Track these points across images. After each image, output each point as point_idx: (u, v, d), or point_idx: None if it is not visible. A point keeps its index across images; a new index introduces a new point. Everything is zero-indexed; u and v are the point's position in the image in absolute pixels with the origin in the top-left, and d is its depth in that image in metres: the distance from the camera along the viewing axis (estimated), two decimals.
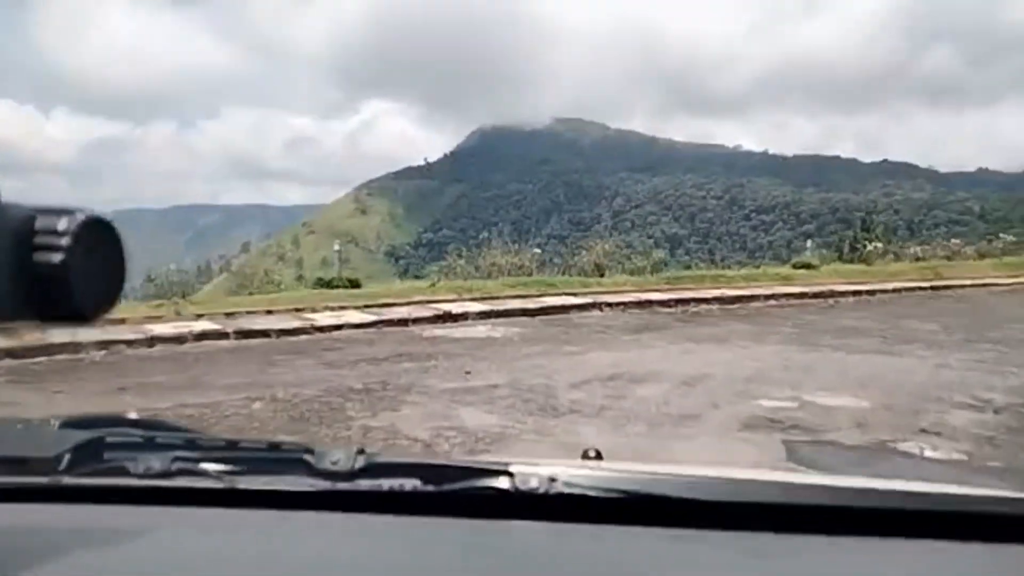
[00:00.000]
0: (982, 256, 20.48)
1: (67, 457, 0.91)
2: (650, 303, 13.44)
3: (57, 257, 0.45)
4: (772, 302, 14.84)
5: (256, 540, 0.85)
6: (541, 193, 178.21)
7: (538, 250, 15.81)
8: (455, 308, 11.66)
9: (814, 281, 17.08)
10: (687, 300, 13.91)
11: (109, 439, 0.96)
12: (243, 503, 0.89)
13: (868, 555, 0.79)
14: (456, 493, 0.85)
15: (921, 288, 17.57)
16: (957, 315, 13.44)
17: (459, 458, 1.15)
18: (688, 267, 18.40)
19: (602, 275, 14.90)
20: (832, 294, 16.02)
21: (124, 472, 0.90)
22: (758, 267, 18.14)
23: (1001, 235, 21.66)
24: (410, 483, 0.86)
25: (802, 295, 15.53)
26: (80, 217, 0.47)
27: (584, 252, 16.06)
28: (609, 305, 12.92)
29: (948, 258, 19.69)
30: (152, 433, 1.01)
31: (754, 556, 0.79)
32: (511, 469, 0.86)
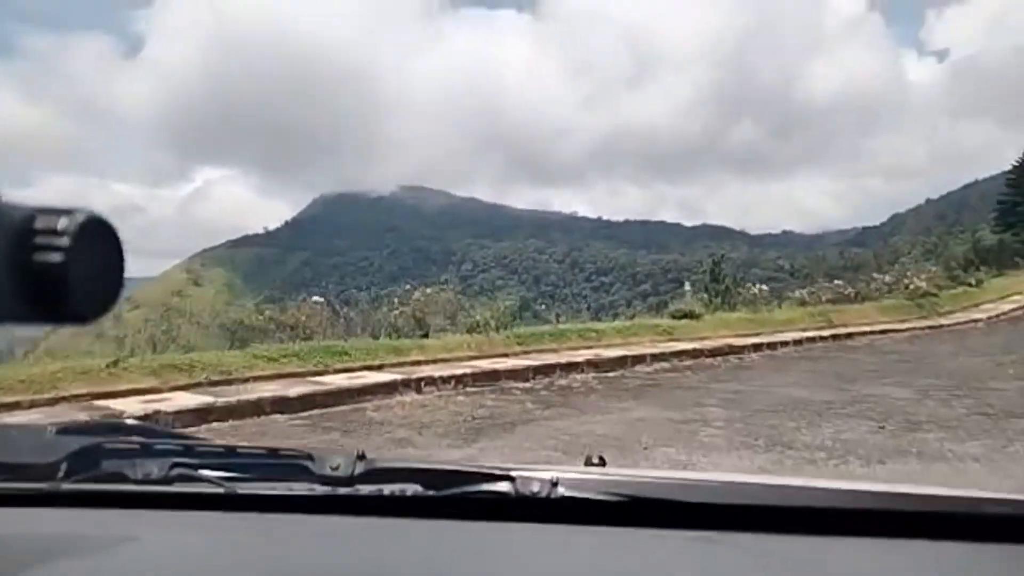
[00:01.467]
0: (862, 299, 17.47)
1: (66, 463, 0.88)
2: (497, 375, 8.65)
3: (57, 257, 0.43)
4: (663, 364, 10.45)
5: (256, 544, 0.82)
6: (388, 260, 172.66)
7: (319, 299, 10.43)
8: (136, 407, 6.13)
9: (701, 334, 13.04)
10: (550, 367, 9.23)
11: (107, 445, 0.93)
12: (243, 508, 0.86)
13: (868, 555, 0.76)
14: (457, 497, 0.82)
15: (823, 338, 14.08)
16: (911, 374, 9.81)
17: (460, 462, 0.93)
18: (547, 321, 13.88)
19: (426, 335, 9.88)
20: (731, 349, 11.92)
21: (122, 478, 0.88)
22: (632, 318, 13.83)
23: (875, 275, 18.95)
24: (411, 487, 0.83)
25: (697, 353, 11.30)
26: (80, 216, 0.45)
27: (399, 303, 10.82)
28: (433, 382, 7.92)
29: (832, 301, 16.43)
30: (150, 439, 0.97)
31: (755, 558, 0.76)
32: (513, 474, 0.83)
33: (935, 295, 18.96)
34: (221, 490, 0.86)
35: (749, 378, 9.45)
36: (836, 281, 17.92)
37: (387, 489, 0.84)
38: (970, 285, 20.33)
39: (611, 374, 9.62)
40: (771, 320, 14.96)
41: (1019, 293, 21.03)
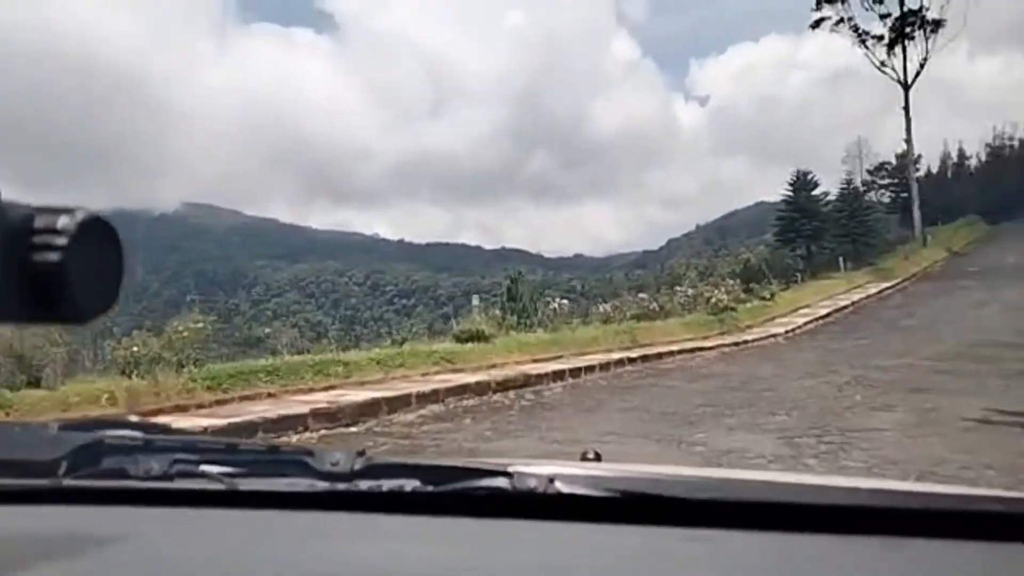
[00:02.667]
0: (665, 314, 15.63)
1: (67, 459, 0.87)
2: None
3: (56, 256, 0.43)
4: (433, 408, 7.30)
5: (256, 541, 0.82)
6: (169, 283, 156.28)
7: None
8: None
9: (491, 360, 10.02)
10: (249, 427, 5.61)
11: (109, 441, 0.92)
12: (243, 504, 0.86)
13: (868, 555, 0.75)
14: (455, 493, 0.82)
15: (632, 359, 11.65)
16: (752, 408, 7.57)
17: (458, 459, 1.01)
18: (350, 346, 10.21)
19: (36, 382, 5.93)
20: (527, 380, 9.01)
21: (124, 474, 0.87)
22: (401, 343, 10.58)
23: (678, 289, 17.33)
24: (409, 484, 0.83)
25: (482, 387, 8.22)
26: (80, 216, 0.44)
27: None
28: None
29: (636, 317, 14.35)
30: (151, 435, 0.97)
31: (753, 555, 0.75)
32: (510, 470, 0.82)
33: (734, 309, 17.72)
34: (222, 486, 0.85)
35: (550, 427, 6.60)
36: (641, 295, 16.07)
37: (386, 485, 0.83)
38: (764, 299, 19.53)
39: (352, 429, 6.30)
40: (573, 340, 12.44)
41: (807, 306, 20.66)
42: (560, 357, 11.29)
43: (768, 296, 19.44)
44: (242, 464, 0.89)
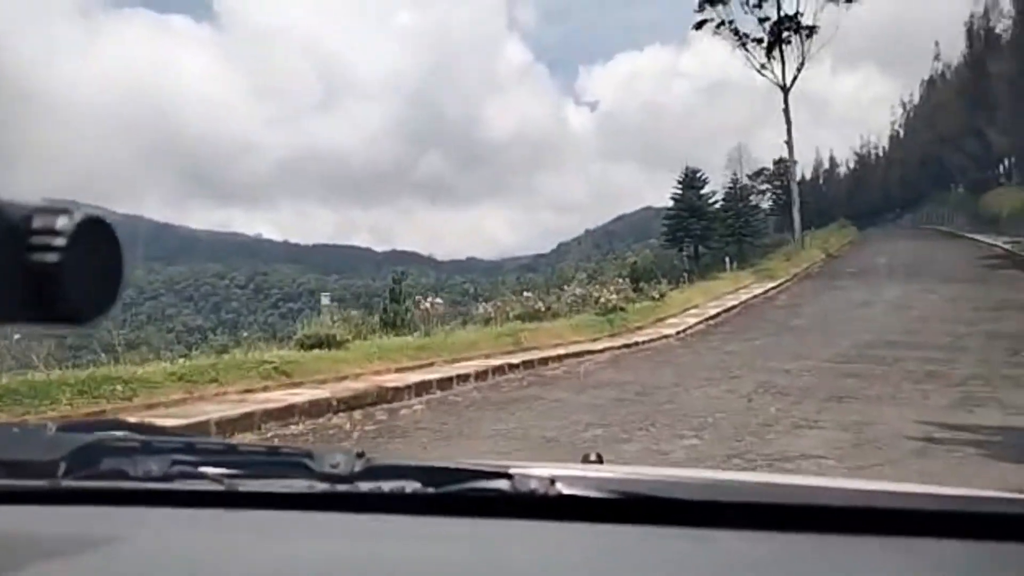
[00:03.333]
0: (552, 315, 14.21)
1: (65, 460, 0.86)
2: None
3: (54, 257, 0.42)
4: (245, 439, 5.25)
5: (256, 542, 0.81)
6: None
7: None
8: None
9: (341, 370, 8.13)
10: None
11: (107, 442, 0.92)
12: (242, 505, 0.85)
13: (868, 555, 0.74)
14: (455, 495, 0.81)
15: (513, 366, 10.04)
16: (654, 431, 5.78)
17: (459, 460, 0.89)
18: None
19: None
20: (381, 395, 7.18)
21: (122, 475, 0.86)
22: (224, 351, 8.53)
23: (566, 288, 15.97)
24: (410, 485, 0.82)
25: (320, 408, 6.36)
26: (78, 216, 0.44)
27: None
28: None
29: (521, 317, 12.82)
30: (150, 436, 0.97)
31: (754, 556, 0.75)
32: (510, 471, 0.82)
33: (624, 309, 16.55)
34: (221, 487, 0.84)
35: (403, 458, 4.82)
36: (526, 293, 14.56)
37: (386, 486, 0.82)
38: (654, 298, 18.54)
39: None
40: (449, 345, 10.71)
41: (697, 306, 19.88)
42: (430, 365, 9.54)
43: (658, 296, 18.46)
44: (241, 465, 0.88)
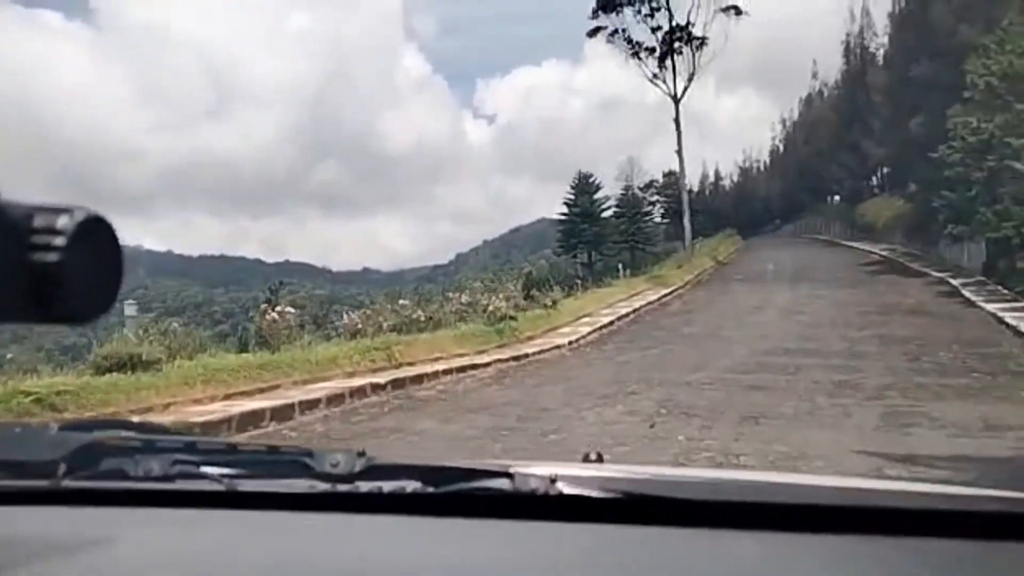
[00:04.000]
0: (435, 325, 12.68)
1: (67, 460, 0.86)
2: None
3: (55, 256, 0.42)
4: None
5: (257, 541, 0.80)
6: None
7: None
8: None
9: (143, 399, 6.26)
10: None
11: (108, 442, 0.91)
12: (243, 505, 0.84)
13: (868, 554, 0.74)
14: (456, 494, 0.80)
15: (379, 387, 8.40)
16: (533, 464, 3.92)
17: (459, 460, 0.89)
18: None
19: None
20: (186, 434, 5.22)
21: (124, 475, 0.85)
22: None
23: (451, 296, 14.46)
24: (410, 485, 0.81)
25: None
26: (79, 215, 0.44)
27: None
28: None
29: (398, 329, 11.18)
30: (151, 436, 0.96)
31: (753, 556, 0.74)
32: (511, 470, 0.81)
33: (514, 318, 15.19)
34: (222, 487, 0.83)
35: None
36: (401, 301, 12.91)
37: (387, 486, 0.81)
38: (546, 306, 17.31)
39: None
40: (303, 362, 8.93)
41: (590, 314, 18.84)
42: (274, 389, 7.79)
43: (550, 304, 17.24)
44: (242, 465, 0.87)
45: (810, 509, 0.76)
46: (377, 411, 7.33)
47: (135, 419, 5.52)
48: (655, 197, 39.38)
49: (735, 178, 62.42)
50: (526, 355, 12.66)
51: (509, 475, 0.80)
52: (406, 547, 0.77)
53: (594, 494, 0.78)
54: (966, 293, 18.97)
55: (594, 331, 16.26)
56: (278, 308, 9.74)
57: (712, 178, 60.96)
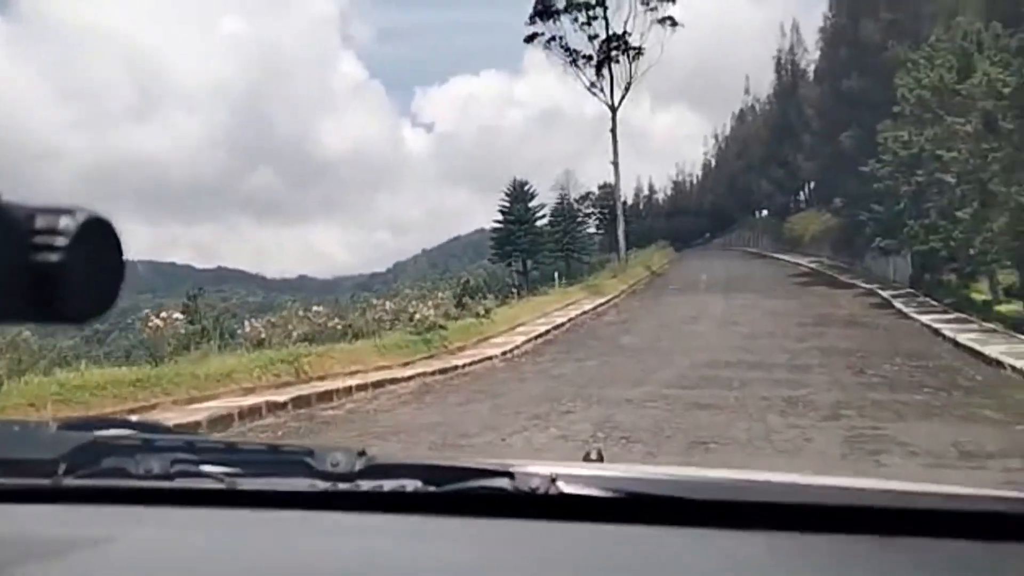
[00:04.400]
0: (355, 335, 11.56)
1: (66, 459, 0.85)
2: None
3: (57, 256, 0.42)
4: None
5: (257, 540, 0.80)
6: None
7: None
8: None
9: None
10: None
11: (109, 441, 0.90)
12: (244, 504, 0.83)
13: (868, 553, 0.74)
14: (457, 493, 0.80)
15: (278, 405, 7.18)
16: None
17: (460, 459, 0.88)
18: None
19: None
20: None
21: (124, 473, 0.84)
22: None
23: (374, 301, 13.33)
24: (411, 484, 0.81)
25: None
26: (81, 216, 0.44)
27: None
28: None
29: (310, 339, 10.00)
30: (151, 435, 0.95)
31: (753, 555, 0.74)
32: (512, 470, 0.80)
33: (444, 327, 14.15)
34: (222, 486, 0.82)
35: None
36: (316, 308, 11.65)
37: (387, 485, 0.81)
38: (479, 315, 16.32)
39: None
40: (190, 377, 7.67)
41: (524, 323, 17.95)
42: (149, 408, 6.52)
43: (483, 312, 16.25)
44: (242, 463, 0.86)
45: (811, 509, 0.76)
46: (268, 436, 6.18)
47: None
48: (591, 209, 39.11)
49: (668, 192, 63.04)
50: (454, 367, 11.63)
51: (509, 474, 0.79)
52: (407, 546, 0.77)
53: (594, 493, 0.78)
54: (898, 304, 18.93)
55: (529, 341, 15.36)
56: (163, 314, 8.42)
57: (646, 192, 61.47)
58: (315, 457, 0.83)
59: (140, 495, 0.83)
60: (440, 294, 15.34)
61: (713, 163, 59.00)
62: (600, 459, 1.10)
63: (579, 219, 31.76)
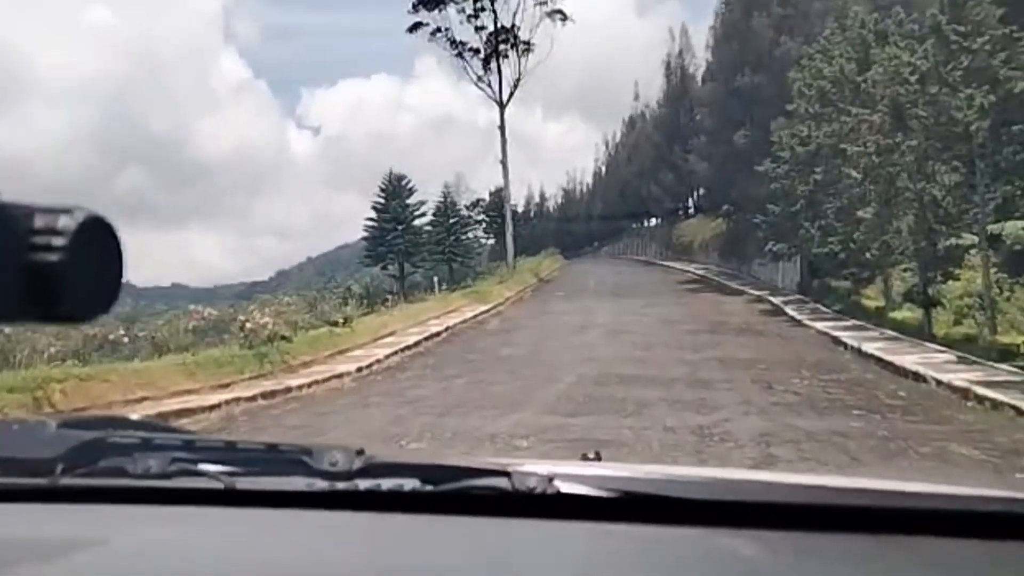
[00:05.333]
0: (161, 350, 8.91)
1: (65, 458, 0.84)
2: None
3: (56, 256, 0.43)
4: None
5: (256, 539, 0.80)
6: None
7: None
8: None
9: None
10: None
11: (107, 440, 0.89)
12: (242, 503, 0.83)
13: (868, 553, 0.73)
14: (454, 492, 0.79)
15: None
16: None
17: (458, 458, 0.91)
18: None
19: None
20: None
21: (122, 473, 0.84)
22: None
23: (194, 309, 10.67)
24: (409, 483, 0.80)
25: None
26: (80, 216, 0.44)
27: None
28: None
29: (80, 356, 7.37)
30: (150, 434, 0.93)
31: (751, 553, 0.73)
32: (509, 469, 0.80)
33: (287, 339, 11.65)
34: (220, 485, 0.82)
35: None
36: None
37: (385, 484, 0.80)
38: (336, 325, 13.87)
39: None
40: None
41: (393, 333, 15.65)
42: None
43: (342, 322, 13.82)
44: (241, 463, 0.85)
45: (807, 508, 0.76)
46: None
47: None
48: (481, 216, 37.37)
49: (559, 200, 62.31)
50: (286, 389, 9.22)
51: (507, 474, 0.79)
52: (404, 544, 0.76)
53: (591, 492, 0.78)
54: (789, 311, 17.98)
55: (394, 354, 13.08)
56: None
57: (537, 199, 60.51)
58: (313, 456, 0.81)
59: (138, 494, 0.82)
60: (287, 300, 12.77)
61: (604, 170, 58.66)
62: (598, 458, 1.08)
63: (466, 221, 29.56)
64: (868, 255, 14.26)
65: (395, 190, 23.70)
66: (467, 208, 35.60)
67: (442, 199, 27.73)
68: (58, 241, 0.42)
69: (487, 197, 36.48)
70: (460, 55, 31.06)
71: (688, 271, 30.06)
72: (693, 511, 0.75)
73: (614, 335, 15.00)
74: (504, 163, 31.14)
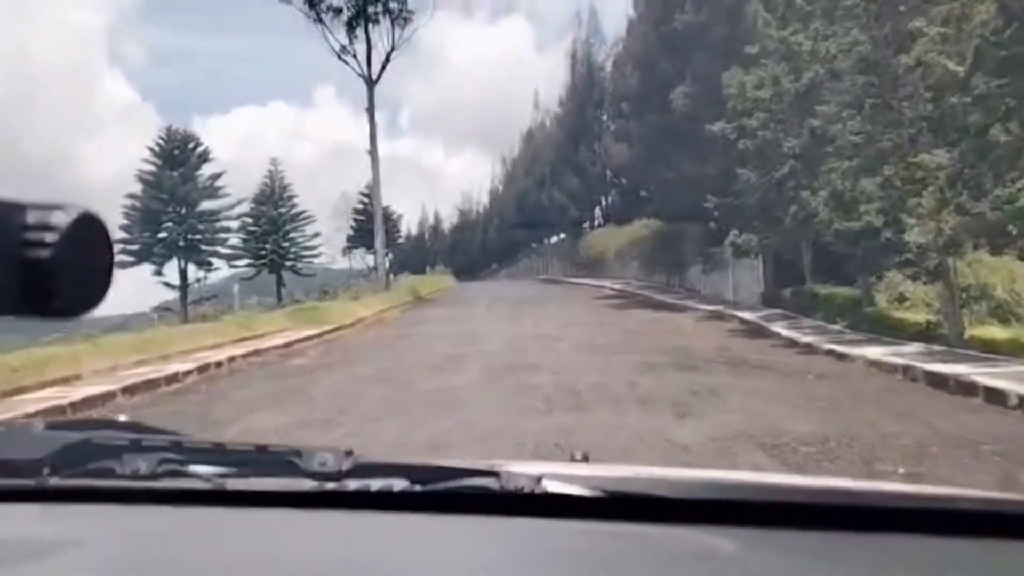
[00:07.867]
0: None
1: (53, 459, 0.82)
2: None
3: (47, 252, 0.42)
4: None
5: (245, 540, 0.78)
6: None
7: None
8: None
9: None
10: None
11: (95, 441, 0.86)
12: (231, 503, 0.81)
13: (847, 550, 0.72)
14: (443, 493, 0.78)
15: None
16: None
17: (447, 459, 0.87)
18: None
19: None
20: None
21: (111, 474, 0.81)
22: None
23: None
24: (398, 483, 0.79)
25: None
26: (72, 212, 0.44)
27: None
28: None
29: None
30: (139, 435, 0.90)
31: (738, 553, 0.72)
32: (498, 469, 0.79)
33: None
34: (210, 486, 0.80)
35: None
36: None
37: (375, 484, 0.78)
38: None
39: None
40: None
41: (78, 380, 7.90)
42: None
43: None
44: (230, 463, 0.83)
45: (795, 508, 0.75)
46: None
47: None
48: (351, 222, 29.79)
49: (454, 222, 55.65)
50: None
51: (496, 474, 0.78)
52: (394, 545, 0.75)
53: (579, 492, 0.77)
54: (777, 329, 11.51)
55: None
56: None
57: (432, 221, 53.95)
58: (302, 457, 0.80)
59: (127, 495, 0.80)
60: None
61: (500, 188, 52.18)
62: (586, 460, 1.03)
63: (303, 213, 21.39)
64: (947, 229, 7.78)
65: (173, 153, 15.28)
66: (352, 229, 27.91)
67: (267, 183, 19.44)
68: (50, 237, 0.41)
69: (359, 204, 29.04)
70: (319, 19, 23.74)
71: (604, 287, 23.45)
72: (678, 510, 0.74)
73: (510, 372, 7.94)
74: (373, 152, 23.78)
